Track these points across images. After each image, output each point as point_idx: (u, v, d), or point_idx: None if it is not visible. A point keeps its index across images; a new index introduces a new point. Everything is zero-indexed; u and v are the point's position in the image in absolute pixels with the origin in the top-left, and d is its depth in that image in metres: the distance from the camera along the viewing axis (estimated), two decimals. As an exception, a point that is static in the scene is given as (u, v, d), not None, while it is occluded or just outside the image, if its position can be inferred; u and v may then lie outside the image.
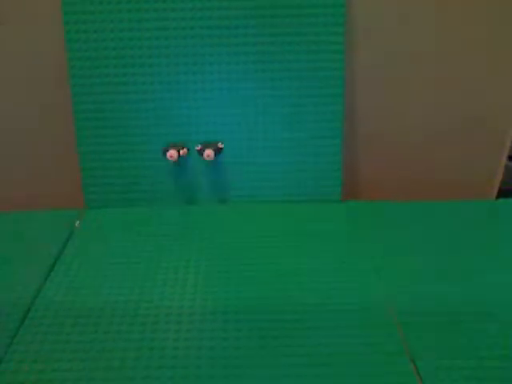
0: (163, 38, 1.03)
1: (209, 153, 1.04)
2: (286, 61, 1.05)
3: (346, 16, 1.03)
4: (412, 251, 0.95)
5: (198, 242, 0.99)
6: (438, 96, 1.16)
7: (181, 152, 1.04)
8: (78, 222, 1.06)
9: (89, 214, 1.09)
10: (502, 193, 1.28)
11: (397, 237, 0.99)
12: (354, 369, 0.71)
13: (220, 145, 1.07)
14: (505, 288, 0.85)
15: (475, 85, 1.15)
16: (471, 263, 0.91)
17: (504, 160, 1.24)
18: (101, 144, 1.08)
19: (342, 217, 1.06)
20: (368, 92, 1.15)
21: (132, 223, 1.05)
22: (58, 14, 1.03)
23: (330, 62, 1.05)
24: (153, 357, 0.73)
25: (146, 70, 1.05)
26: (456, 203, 1.10)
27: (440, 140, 1.21)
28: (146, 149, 1.09)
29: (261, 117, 1.08)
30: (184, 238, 1.00)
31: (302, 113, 1.07)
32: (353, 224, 1.04)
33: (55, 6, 1.03)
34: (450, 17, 1.09)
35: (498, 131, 1.20)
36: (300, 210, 1.08)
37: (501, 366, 0.71)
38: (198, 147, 1.06)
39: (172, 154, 1.03)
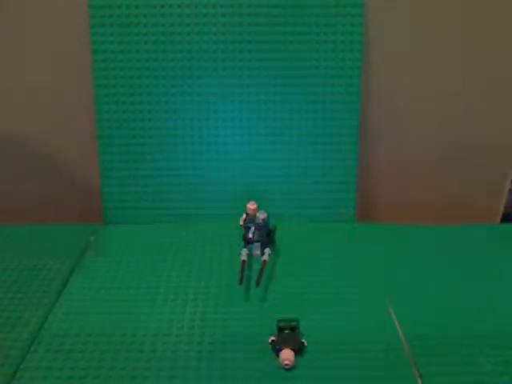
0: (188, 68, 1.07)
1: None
2: (304, 84, 1.07)
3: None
4: (422, 275, 0.95)
5: (214, 261, 0.98)
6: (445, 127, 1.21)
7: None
8: (93, 238, 1.05)
9: (105, 229, 1.09)
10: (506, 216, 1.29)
11: (405, 259, 1.00)
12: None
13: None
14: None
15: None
16: (481, 288, 0.92)
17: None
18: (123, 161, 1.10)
19: (355, 238, 1.07)
20: (381, 122, 1.20)
21: (148, 240, 1.04)
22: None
23: (346, 87, 1.07)
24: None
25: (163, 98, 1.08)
26: (465, 227, 1.10)
27: (449, 166, 1.25)
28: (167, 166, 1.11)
29: (277, 137, 1.09)
30: (197, 257, 0.99)
31: (318, 134, 1.09)
32: (364, 245, 1.04)
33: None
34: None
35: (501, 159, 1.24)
36: (312, 229, 1.09)
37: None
38: None
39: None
